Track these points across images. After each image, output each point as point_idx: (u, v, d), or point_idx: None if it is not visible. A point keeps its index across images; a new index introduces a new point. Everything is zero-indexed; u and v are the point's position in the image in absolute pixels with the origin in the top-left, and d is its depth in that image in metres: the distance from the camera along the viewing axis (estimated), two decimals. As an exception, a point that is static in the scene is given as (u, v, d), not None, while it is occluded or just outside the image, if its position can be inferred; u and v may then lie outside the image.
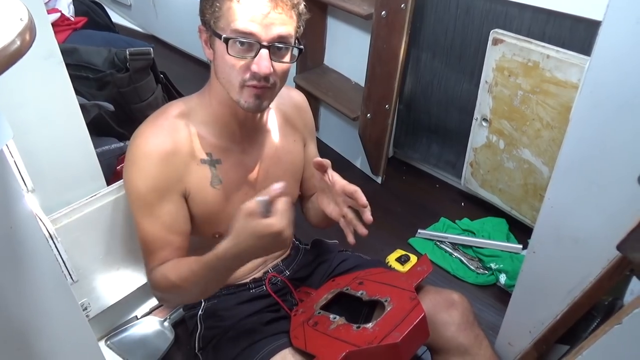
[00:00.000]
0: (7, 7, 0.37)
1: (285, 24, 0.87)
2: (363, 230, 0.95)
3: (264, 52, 0.86)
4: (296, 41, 0.92)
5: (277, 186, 0.77)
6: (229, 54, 0.86)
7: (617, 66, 0.80)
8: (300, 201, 1.26)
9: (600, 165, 0.89)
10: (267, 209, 0.77)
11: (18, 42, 0.34)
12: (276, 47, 0.88)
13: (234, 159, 1.02)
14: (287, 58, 0.91)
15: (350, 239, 0.98)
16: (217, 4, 0.86)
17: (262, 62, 0.86)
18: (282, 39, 0.87)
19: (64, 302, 0.68)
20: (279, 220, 0.76)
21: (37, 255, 0.61)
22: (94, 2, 1.91)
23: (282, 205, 0.77)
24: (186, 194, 0.98)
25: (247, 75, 0.88)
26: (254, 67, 0.87)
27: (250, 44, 0.86)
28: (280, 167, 1.09)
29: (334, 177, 0.97)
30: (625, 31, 0.77)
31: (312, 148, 1.20)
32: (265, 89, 0.90)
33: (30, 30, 0.35)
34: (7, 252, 0.55)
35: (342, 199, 0.98)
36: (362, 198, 0.92)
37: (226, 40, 0.86)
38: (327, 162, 0.97)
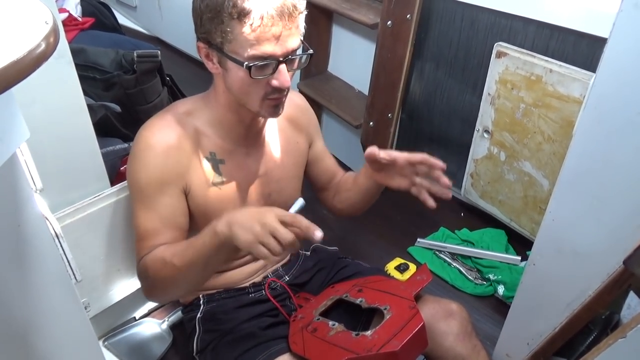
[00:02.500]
0: (31, 10, 0.37)
1: (294, 36, 0.88)
2: (446, 193, 0.96)
3: (283, 67, 0.88)
4: (304, 45, 0.93)
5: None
6: (251, 77, 0.87)
7: (621, 83, 0.81)
8: (320, 195, 1.26)
9: (602, 179, 0.90)
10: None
11: (43, 45, 0.34)
12: (290, 59, 0.89)
13: (237, 160, 1.03)
14: (296, 63, 0.93)
15: (431, 203, 0.98)
16: (227, 29, 0.84)
17: (283, 78, 0.89)
18: (294, 50, 0.89)
19: (68, 301, 0.69)
20: (276, 215, 0.78)
21: (43, 254, 0.62)
22: (101, 2, 1.93)
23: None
24: (187, 189, 0.99)
25: (268, 90, 0.91)
26: (275, 83, 0.89)
27: (269, 63, 0.87)
28: (283, 169, 1.10)
29: (391, 154, 0.97)
30: (631, 49, 0.78)
31: (320, 144, 1.22)
32: (283, 96, 0.94)
33: (55, 34, 0.36)
34: (14, 250, 0.56)
35: (409, 170, 0.99)
36: (435, 161, 0.93)
37: (249, 68, 0.86)
38: (374, 149, 0.97)
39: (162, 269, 0.92)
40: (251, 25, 0.82)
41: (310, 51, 0.93)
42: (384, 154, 0.97)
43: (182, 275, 0.91)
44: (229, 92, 0.95)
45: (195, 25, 0.90)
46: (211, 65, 0.93)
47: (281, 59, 0.87)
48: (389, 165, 1.00)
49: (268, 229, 0.77)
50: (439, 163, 0.94)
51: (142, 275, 0.97)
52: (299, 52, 0.91)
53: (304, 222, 0.79)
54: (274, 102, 0.93)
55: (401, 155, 0.97)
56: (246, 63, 0.85)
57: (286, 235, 0.77)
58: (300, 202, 0.84)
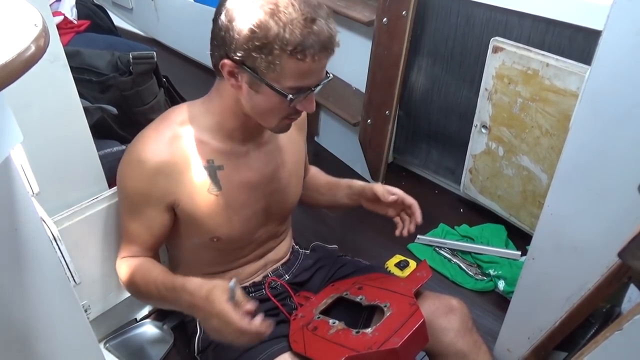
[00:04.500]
0: (21, 12, 0.37)
1: (326, 65, 0.90)
2: (412, 228, 1.14)
3: (313, 95, 0.90)
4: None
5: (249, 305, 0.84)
6: (290, 106, 0.89)
7: (617, 76, 0.81)
8: None
9: (600, 173, 0.90)
10: (232, 296, 0.84)
11: (33, 48, 0.34)
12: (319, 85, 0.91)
13: (238, 161, 1.02)
14: (319, 87, 0.93)
15: (405, 232, 1.15)
16: (277, 62, 0.83)
17: (312, 105, 0.91)
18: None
19: (67, 304, 0.69)
20: (238, 322, 0.81)
21: (41, 257, 0.62)
22: (97, 5, 1.92)
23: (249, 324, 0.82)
24: (175, 204, 0.99)
25: (291, 112, 0.92)
26: (301, 108, 0.91)
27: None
28: (285, 168, 1.10)
29: (398, 195, 1.13)
30: (626, 42, 0.78)
31: (305, 145, 1.24)
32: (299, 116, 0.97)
33: (44, 36, 0.36)
34: (12, 254, 0.56)
35: (400, 206, 1.14)
36: (417, 212, 1.12)
37: (291, 100, 0.87)
38: (387, 197, 1.12)
39: (128, 283, 1.02)
40: (302, 61, 0.83)
41: (331, 77, 0.94)
42: (393, 198, 1.12)
43: (145, 301, 1.07)
44: (242, 105, 0.94)
45: (224, 45, 0.86)
46: (234, 82, 0.90)
47: (314, 87, 0.89)
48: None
49: (239, 337, 0.83)
50: (418, 216, 1.12)
51: (117, 272, 1.06)
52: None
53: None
54: (291, 121, 0.96)
55: (401, 195, 1.12)
56: (290, 96, 0.86)
57: (252, 336, 0.83)
58: (231, 285, 0.85)
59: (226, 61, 0.87)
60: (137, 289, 1.01)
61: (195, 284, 0.87)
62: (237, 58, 0.85)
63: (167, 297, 0.94)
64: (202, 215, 1.00)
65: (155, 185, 0.96)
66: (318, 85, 0.90)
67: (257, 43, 0.82)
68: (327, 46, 0.84)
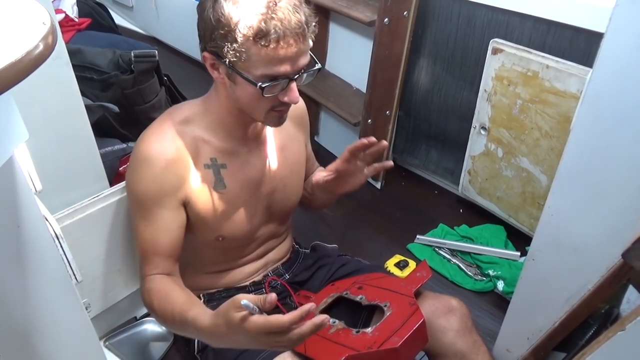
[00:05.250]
0: (29, 10, 0.37)
1: (305, 53, 0.88)
2: (389, 163, 1.08)
3: (294, 85, 0.89)
4: (313, 59, 0.93)
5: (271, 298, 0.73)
6: (263, 96, 0.87)
7: (618, 78, 0.81)
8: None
9: (601, 174, 0.90)
10: (252, 308, 0.72)
11: (41, 46, 0.34)
12: (300, 75, 0.89)
13: (240, 160, 1.02)
14: (304, 77, 0.92)
15: (389, 164, 1.08)
16: (242, 49, 0.83)
17: (293, 95, 0.90)
18: (304, 66, 0.89)
19: (69, 301, 0.69)
20: (259, 324, 0.72)
21: (43, 254, 0.62)
22: (98, 3, 1.92)
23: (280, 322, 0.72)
24: (186, 201, 0.98)
25: (276, 104, 0.91)
26: (285, 99, 0.90)
27: (280, 81, 0.87)
28: (287, 166, 1.10)
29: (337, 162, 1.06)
30: (627, 44, 0.78)
31: (309, 144, 1.23)
32: (288, 108, 0.95)
33: (53, 34, 0.36)
34: (14, 252, 0.56)
35: (355, 166, 1.06)
36: (371, 140, 1.00)
37: (262, 88, 0.86)
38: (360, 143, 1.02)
39: (150, 309, 0.95)
40: (267, 47, 0.82)
41: (319, 66, 0.93)
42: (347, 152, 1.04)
43: (165, 324, 0.95)
44: (233, 100, 0.95)
45: (203, 37, 0.88)
46: (217, 75, 0.92)
47: (292, 76, 0.87)
48: (342, 174, 1.07)
49: (269, 344, 0.77)
50: (370, 138, 1.01)
51: (141, 292, 0.99)
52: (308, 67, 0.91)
53: (291, 319, 0.72)
54: (279, 113, 0.94)
55: (351, 153, 1.03)
56: (260, 84, 0.85)
57: (285, 342, 0.75)
58: (245, 303, 0.72)
59: (205, 54, 0.89)
60: (159, 319, 0.95)
61: (205, 319, 0.81)
62: (212, 49, 0.87)
63: (185, 331, 0.89)
64: (209, 214, 1.00)
65: (166, 182, 0.95)
66: (298, 74, 0.88)
67: (222, 32, 0.83)
68: (295, 31, 0.82)
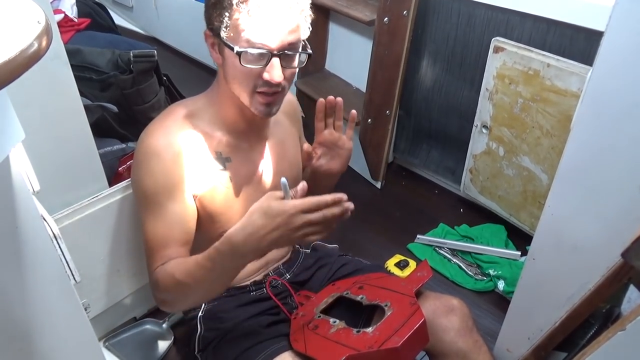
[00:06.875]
0: (24, 9, 0.37)
1: (294, 31, 0.88)
2: (353, 114, 1.12)
3: (276, 61, 0.88)
4: (304, 45, 0.93)
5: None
6: (241, 64, 0.87)
7: (618, 76, 0.81)
8: None
9: (601, 173, 0.90)
10: (287, 192, 0.80)
11: (36, 45, 0.34)
12: (286, 54, 0.89)
13: (242, 155, 1.03)
14: (295, 62, 0.92)
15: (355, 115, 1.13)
16: (227, 14, 0.85)
17: (275, 71, 0.88)
18: (291, 45, 0.88)
19: (68, 302, 0.68)
20: (297, 203, 0.78)
21: (42, 255, 0.62)
22: (97, 3, 1.92)
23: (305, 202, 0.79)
24: (195, 193, 0.98)
25: (259, 82, 0.90)
26: (266, 76, 0.89)
27: (262, 53, 0.87)
28: (286, 160, 1.11)
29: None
30: (627, 42, 0.78)
31: (302, 137, 1.25)
32: (276, 94, 0.93)
33: (47, 33, 0.36)
34: (12, 252, 0.56)
35: (330, 138, 1.09)
36: (328, 99, 1.05)
37: (239, 53, 0.86)
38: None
39: (176, 288, 0.91)
40: (248, 12, 0.83)
41: (309, 51, 0.92)
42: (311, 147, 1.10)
43: (198, 295, 0.93)
44: (227, 83, 0.95)
45: (205, 16, 0.92)
46: (215, 56, 0.94)
47: (276, 52, 0.87)
48: (326, 144, 1.10)
49: (303, 231, 0.79)
50: (330, 99, 1.04)
51: (154, 287, 0.96)
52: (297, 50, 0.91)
53: (326, 199, 0.80)
54: (264, 98, 0.92)
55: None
56: (236, 48, 0.86)
57: (320, 219, 0.80)
58: (284, 181, 0.81)
59: (205, 31, 0.92)
60: (182, 285, 0.90)
61: (235, 231, 0.82)
62: (210, 27, 0.91)
63: (215, 268, 0.85)
64: (216, 208, 1.00)
65: (177, 175, 0.94)
66: (282, 51, 0.87)
67: (212, 1, 0.87)
68: (280, 0, 0.84)
